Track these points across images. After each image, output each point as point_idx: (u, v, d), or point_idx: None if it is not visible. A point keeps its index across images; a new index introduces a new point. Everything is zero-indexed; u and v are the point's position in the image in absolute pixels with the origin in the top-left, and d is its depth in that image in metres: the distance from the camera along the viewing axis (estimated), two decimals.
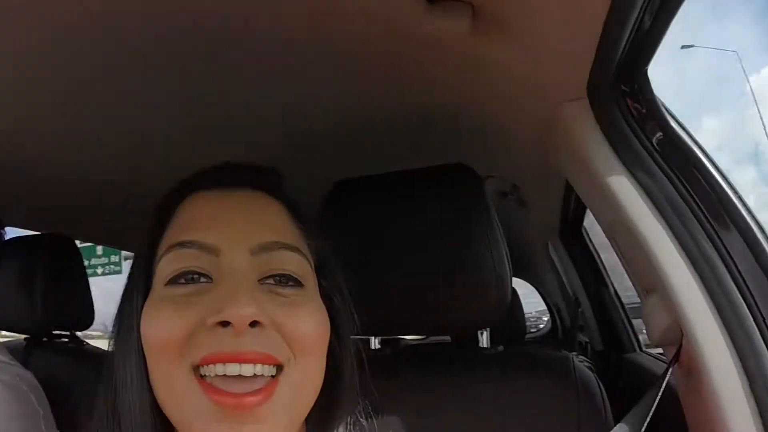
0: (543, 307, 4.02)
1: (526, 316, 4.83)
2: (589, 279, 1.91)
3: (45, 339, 1.49)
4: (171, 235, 0.53)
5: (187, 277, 0.51)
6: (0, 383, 1.03)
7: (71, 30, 0.64)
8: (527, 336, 3.73)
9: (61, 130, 0.98)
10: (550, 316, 3.90)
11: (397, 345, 0.98)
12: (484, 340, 0.91)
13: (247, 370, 0.47)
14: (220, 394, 0.47)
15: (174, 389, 0.49)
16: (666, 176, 0.62)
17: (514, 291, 2.58)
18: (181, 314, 0.49)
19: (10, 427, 1.00)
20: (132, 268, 0.56)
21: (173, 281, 0.51)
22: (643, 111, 0.64)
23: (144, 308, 0.51)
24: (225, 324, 0.47)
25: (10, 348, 1.36)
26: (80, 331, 1.46)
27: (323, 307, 0.55)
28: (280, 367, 0.49)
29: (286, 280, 0.52)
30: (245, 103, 0.85)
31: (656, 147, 0.63)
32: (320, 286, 0.57)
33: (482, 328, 0.88)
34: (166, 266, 0.51)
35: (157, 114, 0.90)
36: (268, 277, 0.52)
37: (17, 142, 1.06)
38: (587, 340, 2.31)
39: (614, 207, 0.66)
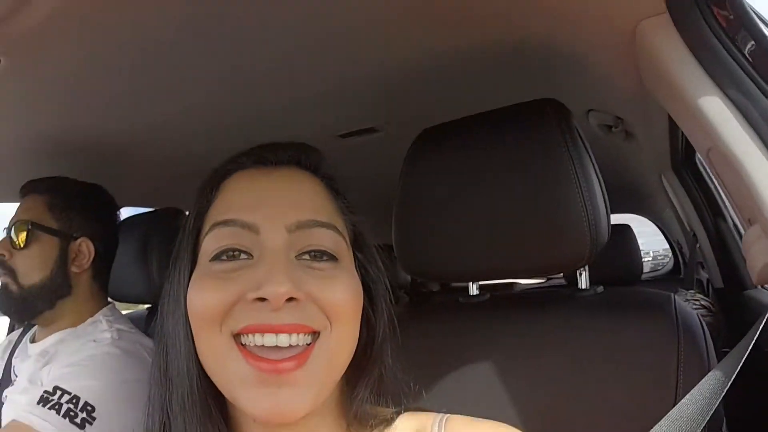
0: None
1: (653, 254, 4.61)
2: (706, 212, 1.78)
3: None
4: (215, 213, 0.57)
5: (229, 254, 0.54)
6: (120, 350, 1.16)
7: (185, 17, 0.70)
8: (649, 275, 3.57)
9: (168, 114, 1.07)
10: (672, 252, 3.69)
11: (495, 290, 0.98)
12: (582, 281, 0.88)
13: (283, 340, 0.51)
14: (257, 360, 0.51)
15: (216, 356, 0.53)
16: (763, 93, 0.55)
17: (627, 229, 2.48)
18: (223, 289, 0.52)
19: (129, 389, 1.11)
20: (179, 241, 0.60)
21: (216, 257, 0.55)
22: (731, 18, 0.57)
23: (190, 281, 0.56)
24: (263, 299, 0.51)
25: (134, 318, 1.53)
26: None
27: (357, 278, 0.58)
28: (316, 335, 0.53)
29: (321, 255, 0.55)
30: (338, 58, 0.87)
31: (750, 59, 0.56)
32: (356, 258, 0.59)
33: (577, 268, 0.86)
34: (210, 243, 0.56)
35: (255, 91, 0.96)
36: (304, 253, 0.55)
37: (127, 130, 1.17)
38: (707, 277, 2.17)
39: (709, 132, 0.60)
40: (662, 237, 3.71)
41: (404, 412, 0.61)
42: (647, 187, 2.25)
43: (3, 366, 1.33)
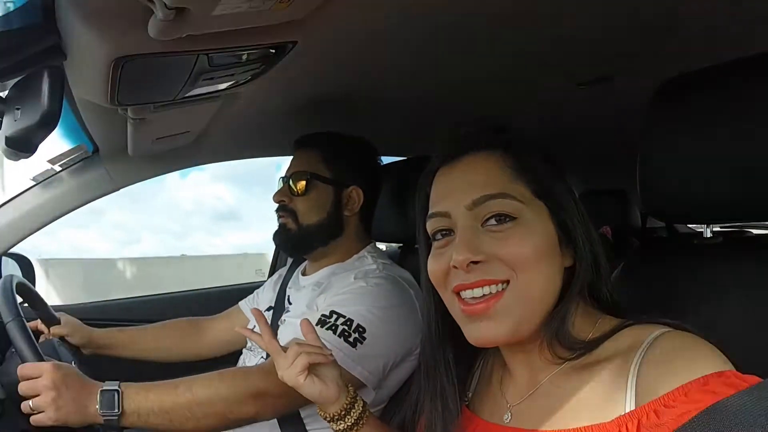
0: None
1: None
2: None
3: (416, 246, 1.81)
4: (430, 205, 0.79)
5: (438, 234, 0.77)
6: (384, 280, 1.32)
7: None
8: None
9: (419, 67, 1.21)
10: None
11: (729, 234, 0.98)
12: None
13: (477, 292, 0.71)
14: (464, 304, 0.73)
15: (449, 305, 0.77)
16: None
17: None
18: (438, 262, 0.75)
19: (392, 314, 1.27)
20: (417, 226, 0.84)
21: (434, 237, 0.78)
22: None
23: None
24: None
25: (388, 254, 1.68)
26: None
27: (537, 229, 0.72)
28: (506, 283, 0.71)
29: (501, 217, 0.72)
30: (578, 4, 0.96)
31: None
32: (548, 206, 0.74)
33: None
34: (429, 227, 0.78)
35: (499, 41, 1.08)
36: (486, 220, 0.72)
37: (386, 85, 1.31)
38: None
39: None
40: None
41: (630, 326, 0.71)
42: None
43: (277, 295, 1.53)
